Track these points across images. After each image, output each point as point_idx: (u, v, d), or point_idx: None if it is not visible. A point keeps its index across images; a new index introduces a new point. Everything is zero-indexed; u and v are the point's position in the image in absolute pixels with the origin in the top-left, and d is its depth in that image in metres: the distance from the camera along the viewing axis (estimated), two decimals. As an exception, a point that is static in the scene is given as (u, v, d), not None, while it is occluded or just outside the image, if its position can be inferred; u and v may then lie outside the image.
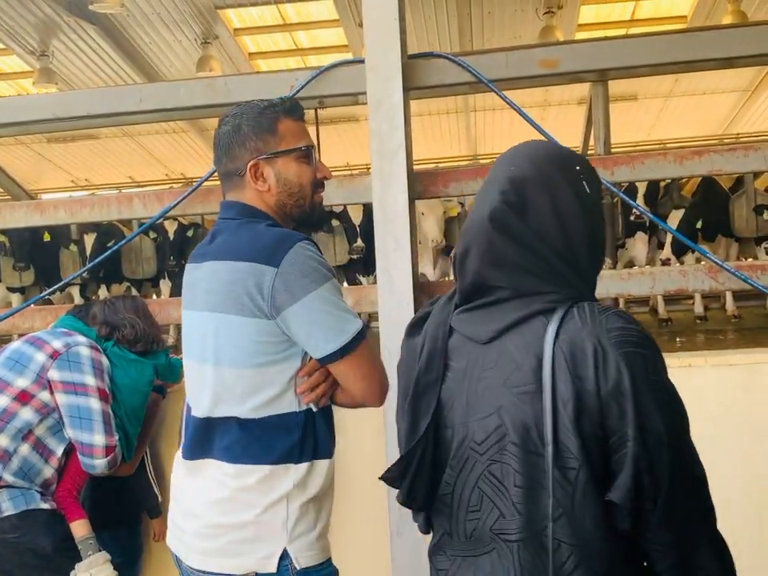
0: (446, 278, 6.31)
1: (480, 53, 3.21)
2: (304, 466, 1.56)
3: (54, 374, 2.35)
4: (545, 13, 7.86)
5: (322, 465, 1.59)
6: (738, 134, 10.90)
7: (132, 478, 2.72)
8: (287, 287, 1.48)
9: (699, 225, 5.86)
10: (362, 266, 6.29)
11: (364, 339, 1.55)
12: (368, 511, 2.78)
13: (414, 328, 1.36)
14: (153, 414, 2.77)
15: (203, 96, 3.04)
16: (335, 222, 6.23)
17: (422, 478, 1.26)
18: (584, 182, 1.25)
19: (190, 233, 6.45)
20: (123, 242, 3.07)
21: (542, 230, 1.20)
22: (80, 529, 2.40)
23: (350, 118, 9.94)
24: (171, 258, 6.34)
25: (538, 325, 1.17)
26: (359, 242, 5.94)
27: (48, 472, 2.38)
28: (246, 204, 1.63)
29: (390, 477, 1.28)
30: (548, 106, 10.46)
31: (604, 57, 3.04)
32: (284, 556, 1.52)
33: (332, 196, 3.06)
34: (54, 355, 2.38)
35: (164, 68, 9.38)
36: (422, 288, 2.93)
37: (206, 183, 3.07)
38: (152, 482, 2.83)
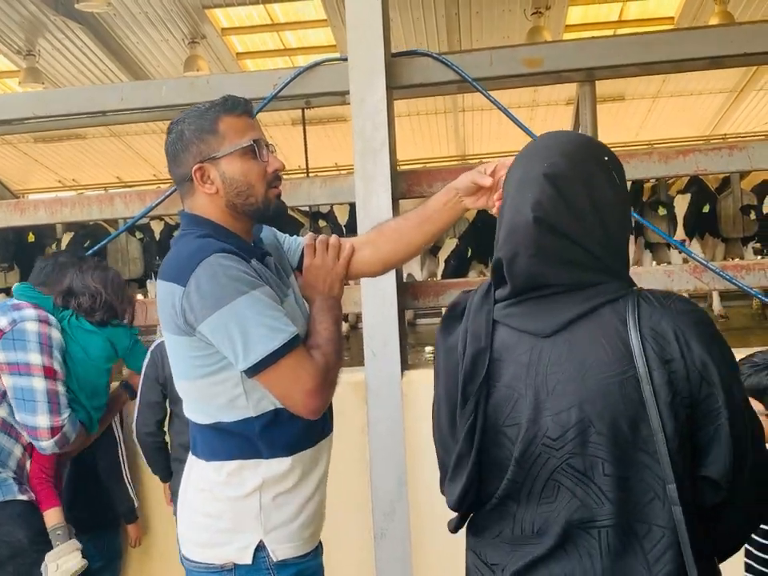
0: (433, 279, 6.30)
1: (465, 52, 3.20)
2: (275, 460, 1.57)
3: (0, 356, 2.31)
4: (533, 13, 7.85)
5: (297, 458, 1.60)
6: (725, 135, 10.93)
7: (111, 482, 2.69)
8: (192, 308, 1.47)
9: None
10: (348, 266, 6.26)
11: (284, 355, 1.47)
12: (352, 513, 2.76)
13: (448, 328, 1.34)
14: (111, 408, 2.69)
15: (185, 95, 3.01)
16: (322, 223, 6.21)
17: (476, 481, 1.25)
18: (613, 172, 1.25)
19: (176, 233, 6.40)
20: (104, 241, 3.03)
21: (585, 224, 1.21)
22: (51, 517, 2.37)
23: (338, 118, 9.91)
24: (158, 258, 6.30)
25: (609, 314, 1.19)
26: (344, 242, 5.92)
27: (18, 451, 2.36)
28: (190, 214, 1.63)
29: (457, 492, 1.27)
30: (536, 107, 10.45)
31: (589, 56, 3.03)
32: (261, 547, 1.56)
33: (316, 195, 3.04)
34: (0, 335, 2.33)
35: (151, 68, 9.32)
36: (405, 288, 2.91)
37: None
38: (128, 486, 2.79)
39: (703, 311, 1.21)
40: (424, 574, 2.69)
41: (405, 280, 3.05)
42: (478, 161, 8.75)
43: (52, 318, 2.42)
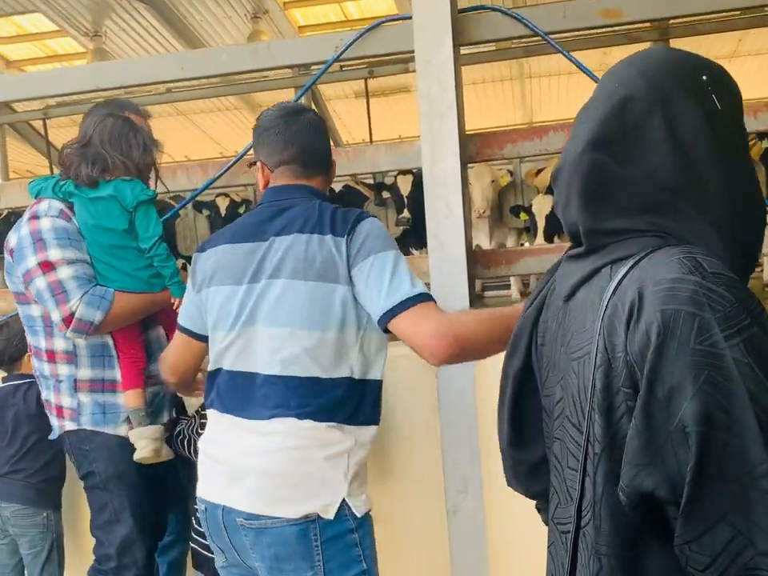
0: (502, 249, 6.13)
1: (536, 6, 3.02)
2: (367, 427, 1.76)
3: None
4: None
5: (373, 430, 1.78)
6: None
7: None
8: (358, 250, 1.73)
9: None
10: (414, 238, 6.15)
11: (420, 301, 1.65)
12: (424, 490, 2.68)
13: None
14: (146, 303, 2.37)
15: (246, 61, 2.93)
16: (386, 194, 6.10)
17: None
18: (713, 96, 0.98)
19: (241, 209, 6.40)
20: (168, 214, 2.99)
21: (654, 163, 0.95)
22: (131, 399, 2.34)
23: (402, 89, 9.74)
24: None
25: (605, 278, 0.97)
26: (405, 213, 5.81)
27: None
28: (316, 188, 1.91)
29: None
30: (605, 70, 10.07)
31: (670, 4, 2.81)
32: (342, 505, 1.70)
33: (380, 162, 2.94)
34: (11, 254, 2.30)
35: (214, 45, 9.32)
36: (476, 256, 2.78)
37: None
38: None
39: (698, 283, 0.86)
40: (499, 551, 2.60)
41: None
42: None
43: (41, 208, 2.26)
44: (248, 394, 1.75)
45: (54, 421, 2.41)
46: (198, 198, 4.64)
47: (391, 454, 2.64)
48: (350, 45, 2.78)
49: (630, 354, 0.88)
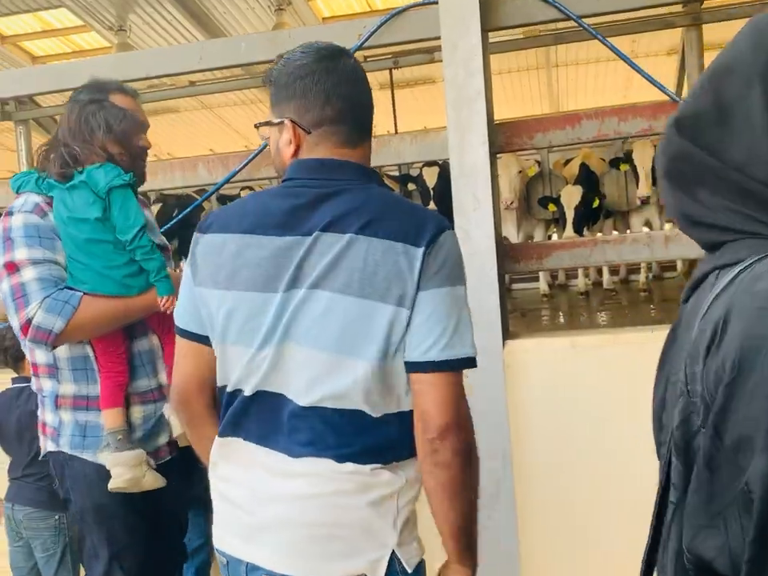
0: (530, 241, 6.01)
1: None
2: (413, 461, 1.41)
3: None
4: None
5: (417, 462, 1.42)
6: None
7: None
8: (433, 272, 1.38)
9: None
10: (441, 231, 6.05)
11: (470, 366, 1.38)
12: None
13: None
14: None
15: (266, 50, 2.84)
16: (411, 186, 6.01)
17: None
18: None
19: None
20: (189, 208, 2.93)
21: (749, 147, 0.77)
22: (109, 419, 2.06)
23: (427, 80, 9.63)
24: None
25: (708, 287, 0.81)
26: (431, 206, 5.71)
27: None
28: (371, 169, 1.52)
29: None
30: (635, 58, 9.81)
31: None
32: (392, 560, 1.37)
33: (405, 153, 2.84)
34: None
35: (238, 37, 9.30)
36: (505, 250, 2.68)
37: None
38: None
39: None
40: (531, 556, 2.50)
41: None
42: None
43: (16, 204, 2.06)
44: (274, 422, 1.41)
45: (41, 438, 2.17)
46: (223, 191, 4.57)
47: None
48: (374, 31, 2.69)
49: (705, 387, 0.74)
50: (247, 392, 1.42)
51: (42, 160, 2.10)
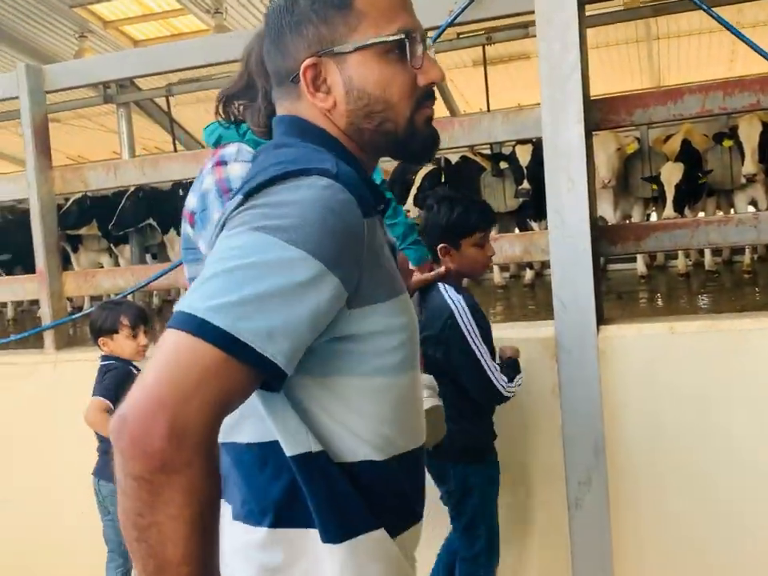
0: (628, 221, 5.80)
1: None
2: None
3: None
4: None
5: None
6: None
7: None
8: None
9: None
10: (533, 210, 5.91)
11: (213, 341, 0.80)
12: (544, 480, 2.54)
13: None
14: None
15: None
16: (503, 165, 5.89)
17: None
18: None
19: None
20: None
21: None
22: None
23: (521, 56, 9.40)
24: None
25: None
26: (525, 185, 5.57)
27: None
28: (299, 118, 1.05)
29: None
30: (741, 28, 9.29)
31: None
32: None
33: (497, 132, 2.78)
34: (191, 220, 1.87)
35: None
36: (601, 233, 2.58)
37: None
38: None
39: None
40: (624, 547, 2.43)
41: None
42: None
43: (227, 152, 1.84)
44: None
45: None
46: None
47: (513, 439, 2.50)
48: (466, 6, 2.62)
49: None
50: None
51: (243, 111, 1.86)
